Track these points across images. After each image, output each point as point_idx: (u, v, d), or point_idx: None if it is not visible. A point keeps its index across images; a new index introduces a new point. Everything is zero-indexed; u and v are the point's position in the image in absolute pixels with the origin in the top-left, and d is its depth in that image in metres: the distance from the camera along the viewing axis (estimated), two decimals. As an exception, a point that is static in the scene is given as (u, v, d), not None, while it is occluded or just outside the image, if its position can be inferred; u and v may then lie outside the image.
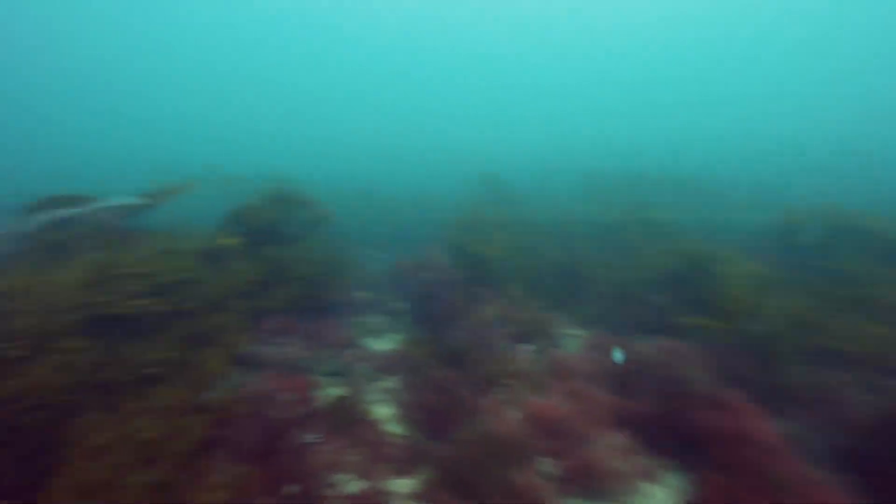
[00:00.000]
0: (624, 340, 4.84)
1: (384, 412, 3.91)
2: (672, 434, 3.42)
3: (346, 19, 53.04)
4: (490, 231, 6.80)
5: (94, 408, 2.57)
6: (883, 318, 4.46)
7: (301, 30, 54.25)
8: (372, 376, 4.60)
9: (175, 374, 3.28)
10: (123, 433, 2.00)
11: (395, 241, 12.56)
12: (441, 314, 4.97)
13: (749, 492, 2.71)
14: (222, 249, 4.79)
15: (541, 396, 3.84)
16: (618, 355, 4.20)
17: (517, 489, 2.84)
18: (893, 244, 6.33)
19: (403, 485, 3.10)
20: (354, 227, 12.01)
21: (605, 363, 4.53)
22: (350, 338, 5.14)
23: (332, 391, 4.12)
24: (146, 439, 2.07)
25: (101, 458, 1.83)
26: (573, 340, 5.17)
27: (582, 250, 7.24)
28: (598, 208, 9.80)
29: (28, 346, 2.49)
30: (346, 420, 3.36)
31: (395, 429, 3.70)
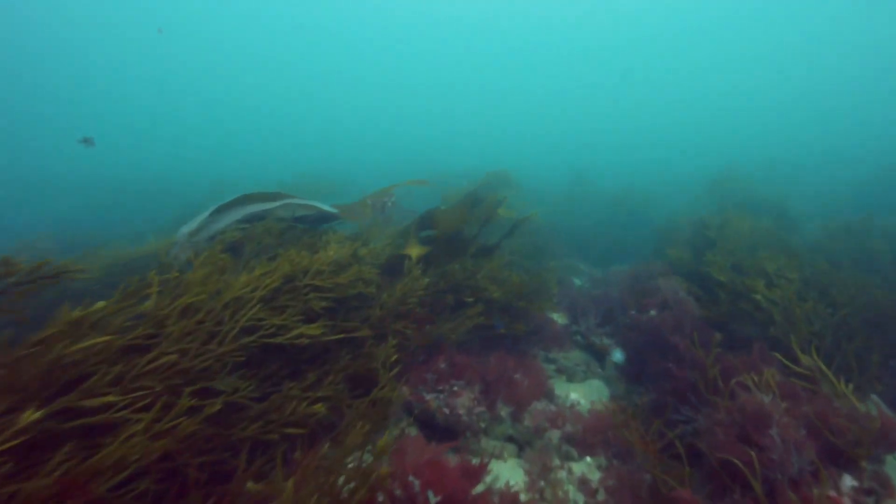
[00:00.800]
0: None
1: (581, 529, 2.62)
2: None
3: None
4: (751, 253, 4.68)
5: (206, 485, 2.03)
6: None
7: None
8: (564, 451, 3.34)
9: (324, 432, 2.67)
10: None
11: (598, 249, 10.83)
12: (673, 376, 3.37)
13: None
14: (402, 261, 4.17)
15: None
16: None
17: None
18: None
19: None
20: (548, 228, 10.76)
21: None
22: (539, 384, 3.97)
23: (505, 473, 3.03)
24: None
25: None
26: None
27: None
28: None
29: (159, 395, 2.05)
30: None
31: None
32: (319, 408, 2.66)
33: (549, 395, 4.19)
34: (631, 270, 5.26)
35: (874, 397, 3.29)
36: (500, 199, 5.33)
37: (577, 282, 8.23)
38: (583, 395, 4.32)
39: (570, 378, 4.65)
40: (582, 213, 12.69)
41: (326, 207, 4.68)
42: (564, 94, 67.36)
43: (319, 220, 4.71)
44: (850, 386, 2.87)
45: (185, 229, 3.77)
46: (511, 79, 65.46)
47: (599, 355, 4.92)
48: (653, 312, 4.03)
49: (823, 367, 2.79)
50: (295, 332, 2.90)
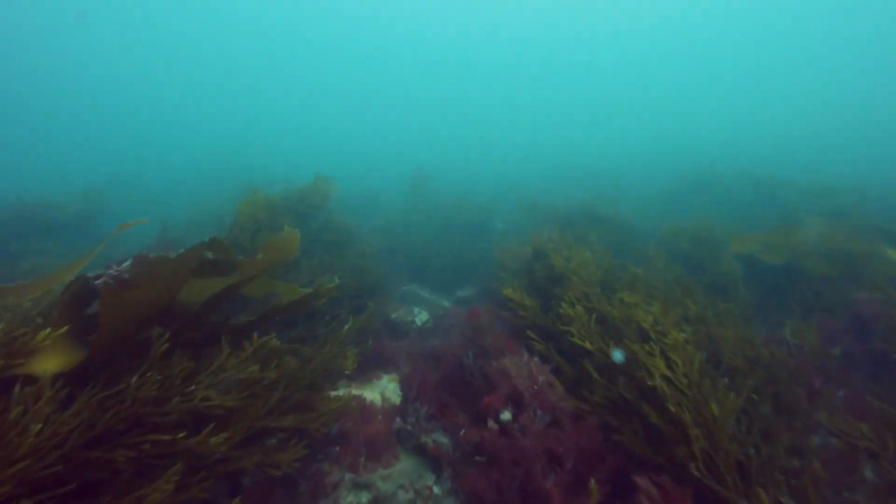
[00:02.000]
0: None
1: None
2: None
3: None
4: (606, 290, 3.54)
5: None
6: None
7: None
8: None
9: None
10: None
11: (442, 268, 9.50)
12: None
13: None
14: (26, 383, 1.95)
15: None
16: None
17: None
18: None
19: None
20: (383, 248, 9.08)
21: None
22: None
23: None
24: None
25: None
26: None
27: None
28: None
29: None
30: None
31: None
32: None
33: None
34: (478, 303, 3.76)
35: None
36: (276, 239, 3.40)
37: (420, 320, 6.67)
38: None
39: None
40: (423, 224, 11.31)
41: None
42: (417, 94, 67.61)
43: None
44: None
45: None
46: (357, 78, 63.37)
47: (434, 462, 3.30)
48: (505, 416, 2.53)
49: None
50: None
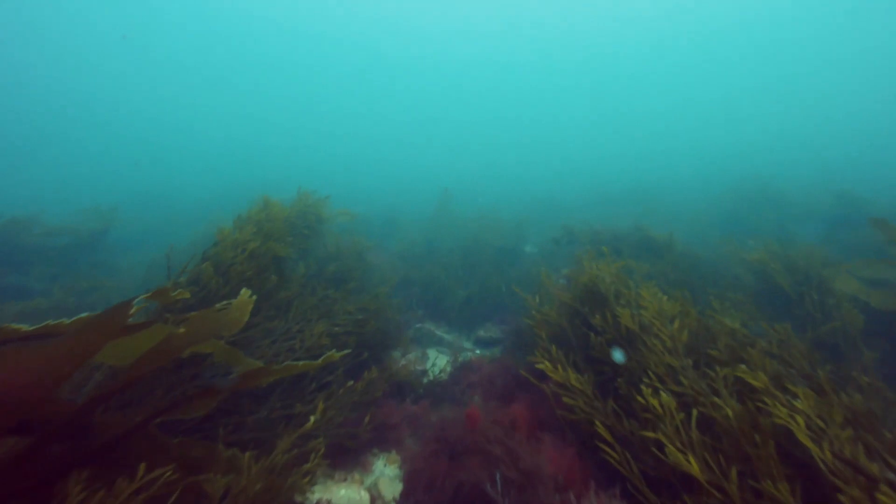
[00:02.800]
0: None
1: None
2: None
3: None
4: (698, 361, 2.36)
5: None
6: None
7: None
8: None
9: None
10: None
11: (463, 302, 8.32)
12: None
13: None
14: None
15: None
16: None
17: None
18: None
19: None
20: (399, 280, 8.04)
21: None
22: None
23: None
24: None
25: None
26: None
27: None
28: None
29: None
30: None
31: None
32: None
33: None
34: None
35: None
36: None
37: (433, 370, 5.53)
38: None
39: None
40: (445, 249, 10.21)
41: None
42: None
43: None
44: None
45: None
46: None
47: None
48: None
49: None
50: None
